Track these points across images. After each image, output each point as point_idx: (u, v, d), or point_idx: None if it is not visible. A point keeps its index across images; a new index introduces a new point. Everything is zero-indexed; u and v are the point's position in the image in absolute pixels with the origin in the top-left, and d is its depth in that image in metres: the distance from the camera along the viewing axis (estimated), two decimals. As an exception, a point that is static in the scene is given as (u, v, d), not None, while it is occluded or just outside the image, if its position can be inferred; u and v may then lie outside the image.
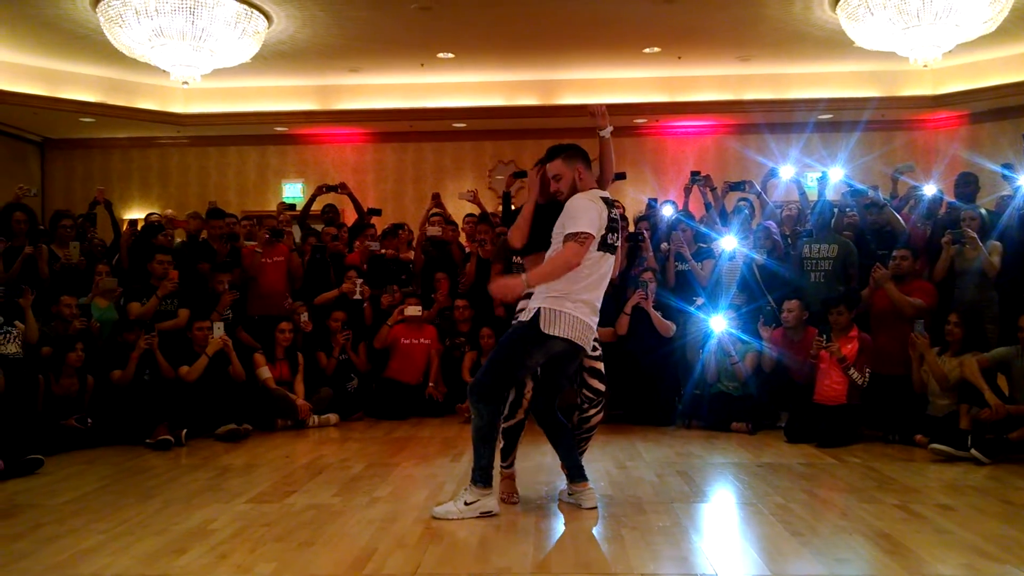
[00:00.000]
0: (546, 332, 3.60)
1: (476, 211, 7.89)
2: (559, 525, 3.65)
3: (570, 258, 3.55)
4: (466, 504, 3.70)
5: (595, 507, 3.84)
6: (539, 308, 3.63)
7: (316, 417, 6.36)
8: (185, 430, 5.57)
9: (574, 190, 3.73)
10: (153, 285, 6.33)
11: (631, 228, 7.46)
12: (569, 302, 3.63)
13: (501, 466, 4.02)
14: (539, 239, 3.86)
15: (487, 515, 3.69)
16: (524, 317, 3.72)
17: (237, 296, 6.64)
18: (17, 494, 4.24)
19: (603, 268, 3.70)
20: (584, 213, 3.59)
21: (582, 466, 3.96)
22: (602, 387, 4.04)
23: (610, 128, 3.91)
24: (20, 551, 3.29)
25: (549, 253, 3.70)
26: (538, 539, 3.42)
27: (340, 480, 4.49)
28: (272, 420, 6.21)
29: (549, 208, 3.85)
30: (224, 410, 5.85)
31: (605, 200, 3.71)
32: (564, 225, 3.61)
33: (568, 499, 3.96)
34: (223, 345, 6.07)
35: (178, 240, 7.79)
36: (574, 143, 3.84)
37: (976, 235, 5.83)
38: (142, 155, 11.41)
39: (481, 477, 3.72)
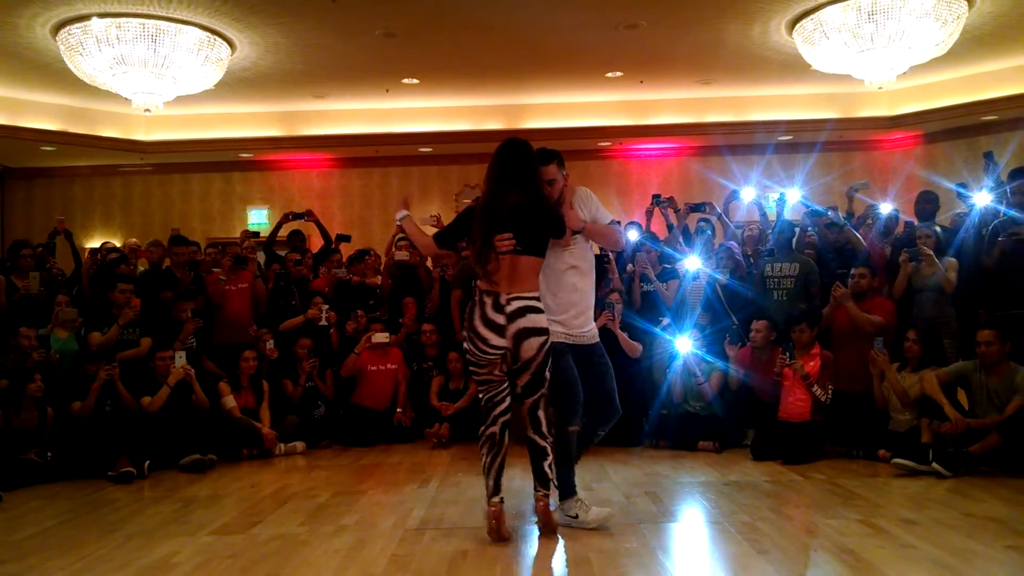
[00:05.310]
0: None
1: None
2: (529, 550, 3.64)
3: (620, 240, 4.44)
4: (593, 517, 3.85)
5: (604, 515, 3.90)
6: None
7: (282, 445, 6.28)
8: (148, 462, 5.48)
9: (559, 193, 4.11)
10: (114, 314, 6.25)
11: (596, 250, 7.48)
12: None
13: (490, 499, 3.77)
14: (521, 241, 3.76)
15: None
16: (587, 340, 4.03)
17: (200, 324, 6.57)
18: (-27, 531, 4.14)
19: None
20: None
21: (571, 481, 3.94)
22: None
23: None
24: (-25, 590, 3.21)
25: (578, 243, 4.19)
26: (506, 566, 3.40)
27: (306, 509, 4.44)
28: (237, 450, 6.12)
29: (526, 208, 3.76)
30: (188, 440, 5.76)
31: None
32: (597, 212, 4.27)
33: (563, 520, 3.88)
34: (185, 375, 5.99)
35: (141, 268, 7.70)
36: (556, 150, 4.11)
37: (932, 252, 5.95)
38: (105, 183, 11.28)
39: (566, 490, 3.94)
